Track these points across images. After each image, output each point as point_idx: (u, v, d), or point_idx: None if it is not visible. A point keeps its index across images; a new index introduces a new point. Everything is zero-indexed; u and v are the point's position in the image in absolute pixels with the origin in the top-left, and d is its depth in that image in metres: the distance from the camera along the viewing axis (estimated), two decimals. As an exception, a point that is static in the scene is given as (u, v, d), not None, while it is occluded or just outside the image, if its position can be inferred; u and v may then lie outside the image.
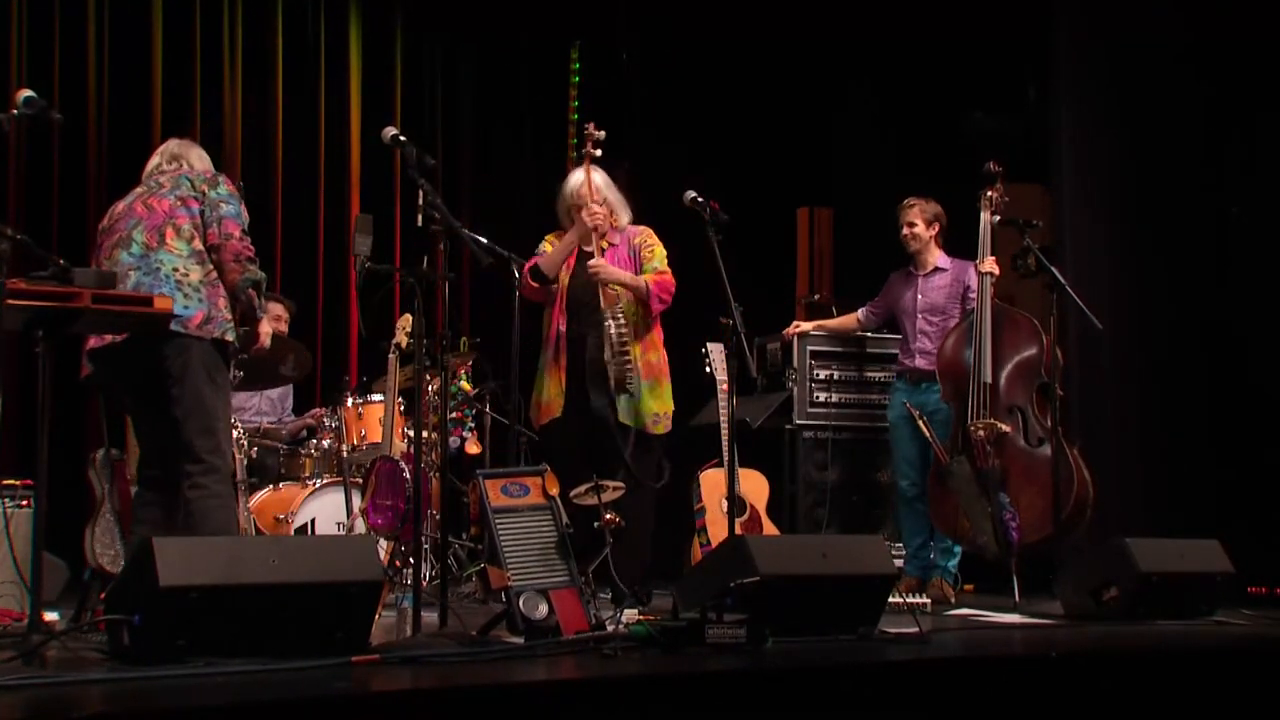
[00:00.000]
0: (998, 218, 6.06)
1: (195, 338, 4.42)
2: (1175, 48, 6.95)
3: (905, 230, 6.38)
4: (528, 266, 5.43)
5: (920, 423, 6.04)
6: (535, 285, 5.50)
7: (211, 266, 4.52)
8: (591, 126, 5.59)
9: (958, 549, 6.11)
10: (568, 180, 5.68)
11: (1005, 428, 5.87)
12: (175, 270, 4.45)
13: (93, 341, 4.50)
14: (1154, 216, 6.88)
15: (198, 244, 4.52)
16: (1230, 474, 6.75)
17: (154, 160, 4.80)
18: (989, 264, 6.07)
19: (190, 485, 4.45)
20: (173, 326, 4.32)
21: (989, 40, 7.67)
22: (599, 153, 5.57)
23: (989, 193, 6.13)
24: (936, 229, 6.37)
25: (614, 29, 8.89)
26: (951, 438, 5.99)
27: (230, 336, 4.52)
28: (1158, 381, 6.85)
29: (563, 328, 5.55)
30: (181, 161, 4.76)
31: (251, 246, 4.61)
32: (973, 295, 6.17)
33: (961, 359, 6.04)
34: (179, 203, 4.55)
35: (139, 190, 4.67)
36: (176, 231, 4.50)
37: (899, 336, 6.51)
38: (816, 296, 7.89)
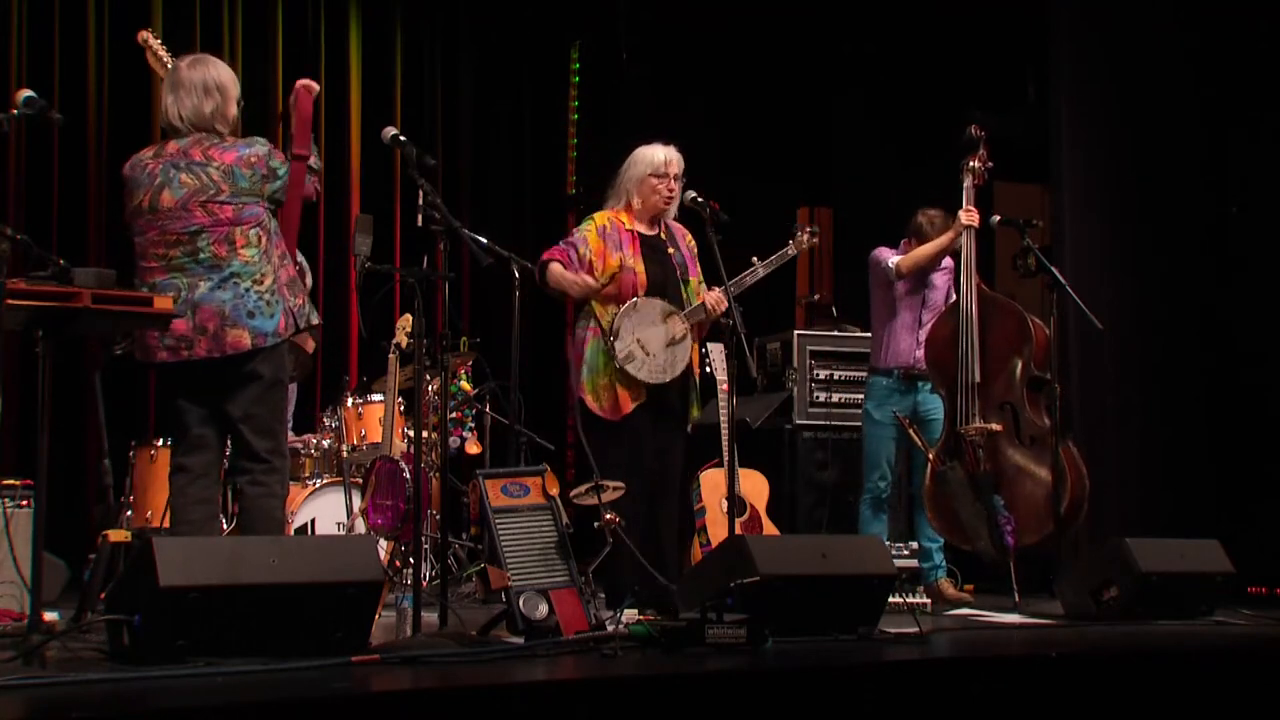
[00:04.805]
0: (989, 216, 5.89)
1: (275, 346, 4.31)
2: (1175, 48, 6.96)
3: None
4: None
5: (911, 431, 5.81)
6: None
7: (278, 256, 4.35)
8: None
9: (933, 544, 5.93)
10: (652, 150, 5.30)
11: (996, 427, 5.73)
12: (254, 283, 4.28)
13: (165, 356, 4.26)
14: (1154, 216, 6.89)
15: (264, 241, 4.33)
16: (1230, 474, 6.76)
17: (175, 113, 4.43)
18: (969, 215, 5.76)
19: (251, 482, 4.34)
20: (265, 344, 4.24)
21: (989, 40, 7.67)
22: None
23: (972, 161, 5.86)
24: None
25: (614, 29, 8.89)
26: (942, 439, 5.82)
27: (315, 319, 4.41)
28: (1157, 381, 6.85)
29: None
30: (210, 111, 4.44)
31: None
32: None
33: (951, 349, 5.80)
34: (241, 207, 4.31)
35: (188, 180, 4.28)
36: (245, 238, 4.31)
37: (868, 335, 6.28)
38: (816, 296, 7.89)
